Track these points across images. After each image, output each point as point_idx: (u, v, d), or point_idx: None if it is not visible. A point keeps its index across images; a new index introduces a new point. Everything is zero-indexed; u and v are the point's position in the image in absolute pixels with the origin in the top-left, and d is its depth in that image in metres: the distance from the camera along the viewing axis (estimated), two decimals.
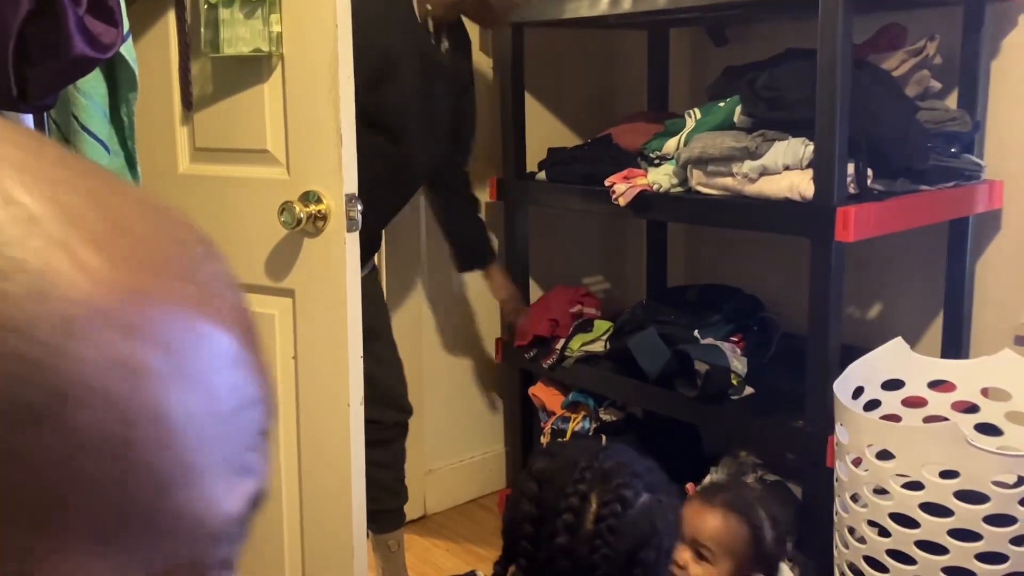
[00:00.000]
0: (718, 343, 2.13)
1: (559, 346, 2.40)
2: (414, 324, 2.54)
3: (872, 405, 1.85)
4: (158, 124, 1.72)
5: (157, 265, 0.28)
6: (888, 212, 1.83)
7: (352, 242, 1.57)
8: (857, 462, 1.68)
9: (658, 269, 2.68)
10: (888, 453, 1.61)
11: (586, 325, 2.44)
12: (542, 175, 2.40)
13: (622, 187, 2.10)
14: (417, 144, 2.00)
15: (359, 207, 1.57)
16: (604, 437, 2.34)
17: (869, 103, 1.82)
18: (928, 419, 1.86)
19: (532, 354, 2.44)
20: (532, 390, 2.53)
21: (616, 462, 1.11)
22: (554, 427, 2.44)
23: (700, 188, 1.99)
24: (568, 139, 2.66)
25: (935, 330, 2.19)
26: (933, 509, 1.57)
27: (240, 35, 1.56)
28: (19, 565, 0.25)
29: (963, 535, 1.55)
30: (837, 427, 1.73)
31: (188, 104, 1.70)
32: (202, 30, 1.60)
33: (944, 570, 1.56)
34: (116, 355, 0.26)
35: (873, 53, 2.01)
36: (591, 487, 1.08)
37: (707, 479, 2.16)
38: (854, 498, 1.70)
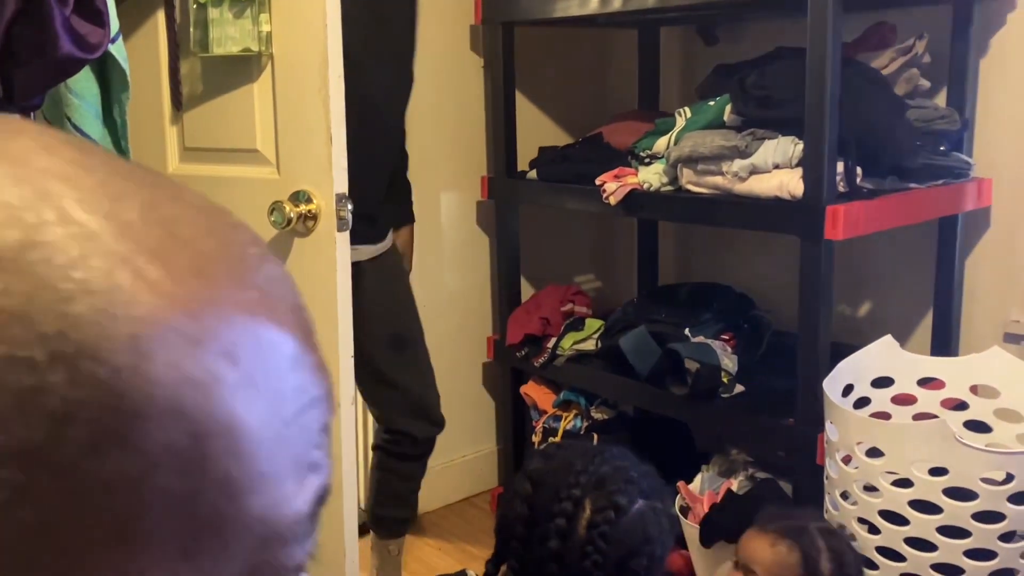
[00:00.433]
0: (709, 341, 2.13)
1: (550, 345, 2.40)
2: None
3: (862, 403, 1.86)
4: (148, 124, 1.72)
5: (217, 274, 0.28)
6: (877, 210, 1.84)
7: (343, 242, 1.57)
8: (847, 460, 1.69)
9: (649, 268, 2.68)
10: (878, 451, 1.62)
11: (577, 324, 2.45)
12: (533, 174, 2.40)
13: (612, 186, 2.10)
14: (376, 78, 1.84)
15: (349, 207, 1.57)
16: (596, 436, 2.34)
17: (858, 102, 1.82)
18: (918, 416, 1.87)
19: (523, 353, 2.44)
20: (524, 389, 2.53)
21: (612, 467, 1.11)
22: (545, 426, 2.44)
23: (690, 187, 1.99)
24: (559, 138, 2.66)
25: (925, 328, 2.19)
26: (922, 506, 1.57)
27: (229, 35, 1.55)
28: None
29: (952, 532, 1.56)
30: (827, 425, 1.74)
31: (178, 104, 1.69)
32: (191, 30, 1.60)
33: (933, 567, 1.57)
34: (186, 370, 0.26)
35: (863, 52, 2.02)
36: (585, 492, 1.07)
37: (698, 478, 2.17)
38: (844, 495, 1.71)
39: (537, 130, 2.63)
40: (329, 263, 1.57)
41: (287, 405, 0.29)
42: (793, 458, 1.93)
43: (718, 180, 1.92)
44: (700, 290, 2.41)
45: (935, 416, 1.83)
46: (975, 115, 2.06)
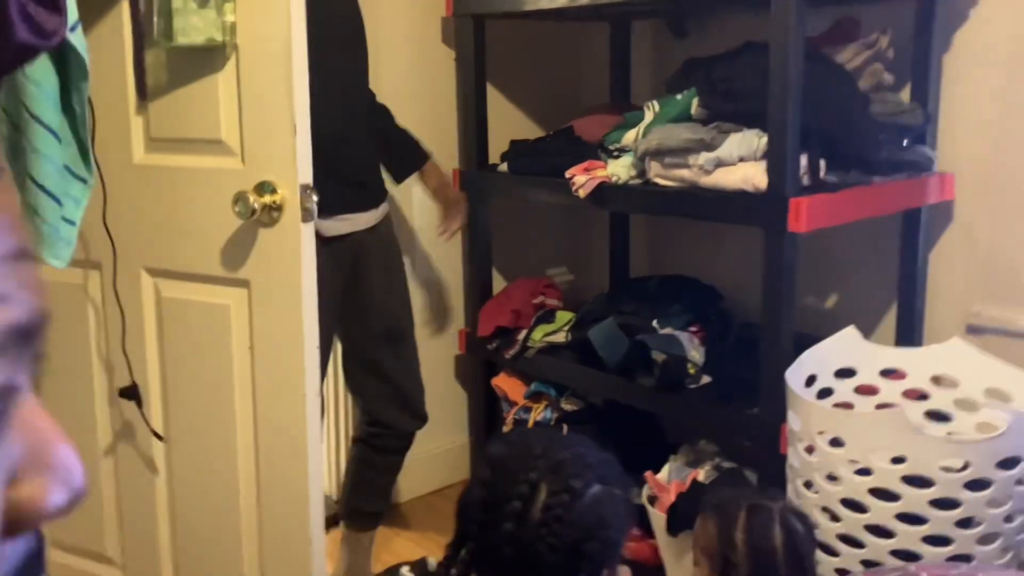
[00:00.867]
0: (676, 333, 2.15)
1: (521, 337, 2.41)
2: None
3: (825, 393, 1.88)
4: (112, 114, 1.71)
5: None
6: (840, 203, 1.86)
7: (308, 232, 1.58)
8: (810, 449, 1.71)
9: (621, 260, 2.69)
10: (839, 440, 1.64)
11: (548, 316, 2.46)
12: (504, 167, 2.41)
13: (582, 179, 2.11)
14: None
15: (315, 198, 1.57)
16: (565, 427, 2.36)
17: (823, 96, 1.84)
18: (880, 407, 1.90)
19: (495, 345, 2.45)
20: (495, 381, 2.54)
21: (570, 453, 1.12)
22: (516, 417, 2.45)
23: (658, 180, 2.01)
24: (531, 131, 2.66)
25: (890, 320, 2.22)
26: (882, 494, 1.60)
27: (194, 24, 1.55)
28: None
29: (910, 519, 1.58)
30: (789, 415, 1.76)
31: (143, 94, 1.69)
32: (155, 19, 1.60)
33: (892, 553, 1.59)
34: None
35: (827, 46, 2.04)
36: (541, 476, 1.08)
37: (665, 468, 2.19)
38: (807, 484, 1.73)
39: (509, 123, 2.64)
40: (294, 254, 1.57)
41: None
42: (757, 447, 1.95)
43: (685, 173, 1.94)
44: (669, 283, 2.43)
45: (896, 406, 1.85)
46: (938, 109, 2.08)
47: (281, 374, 1.64)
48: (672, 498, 2.04)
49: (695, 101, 1.99)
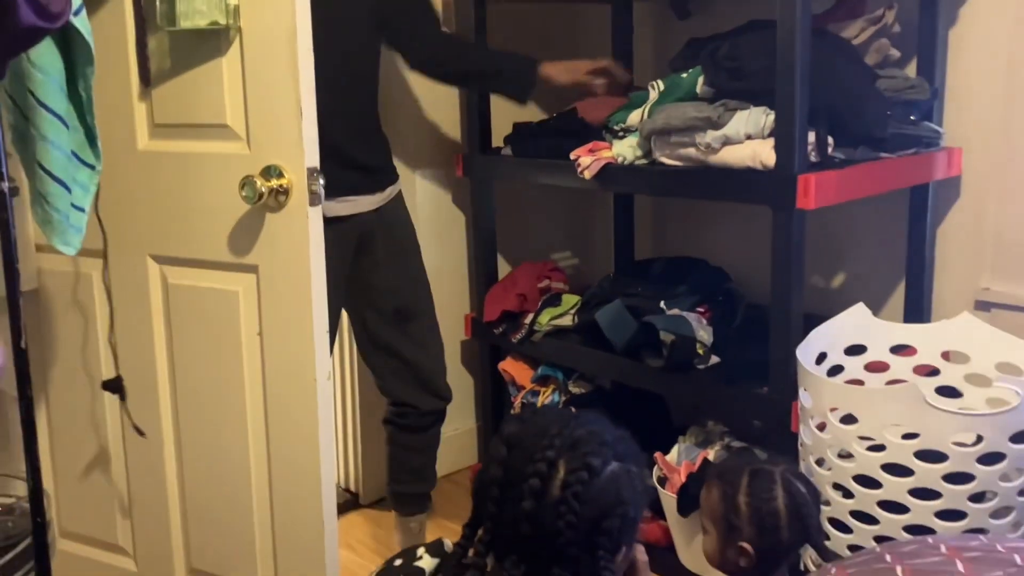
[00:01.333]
0: (684, 314, 2.14)
1: (528, 321, 2.40)
2: None
3: (835, 370, 1.88)
4: (116, 101, 1.70)
5: None
6: (848, 179, 1.85)
7: (315, 216, 1.57)
8: (821, 426, 1.70)
9: (625, 243, 2.69)
10: (851, 416, 1.64)
11: (554, 299, 2.45)
12: (508, 150, 2.40)
13: (587, 160, 2.10)
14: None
15: (321, 181, 1.56)
16: (574, 410, 2.35)
17: (829, 72, 1.83)
18: (890, 383, 1.89)
19: (501, 329, 2.45)
20: (502, 365, 2.54)
21: (586, 430, 1.11)
22: (524, 401, 2.45)
23: (664, 159, 1.99)
24: (533, 114, 2.65)
25: (898, 296, 2.22)
26: (894, 470, 1.59)
27: (197, 8, 1.54)
28: None
29: (923, 494, 1.58)
30: (801, 392, 1.75)
31: (146, 80, 1.67)
32: (158, 3, 1.58)
33: (905, 528, 1.59)
34: None
35: (833, 22, 2.03)
36: (559, 454, 1.07)
37: (675, 449, 2.19)
38: (819, 462, 1.73)
39: (511, 106, 2.62)
40: (302, 237, 1.56)
41: None
42: (768, 427, 1.95)
43: (691, 152, 1.93)
44: (676, 264, 2.42)
45: (907, 383, 1.85)
46: (945, 84, 2.07)
47: (291, 359, 1.63)
48: (682, 479, 2.04)
49: (700, 80, 1.98)
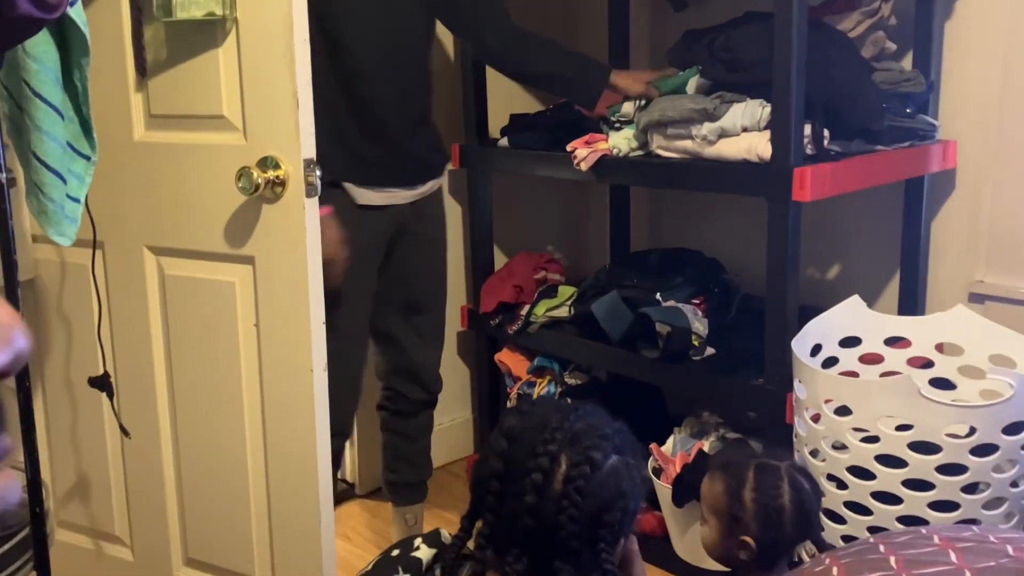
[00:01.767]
0: (680, 305, 2.15)
1: (524, 312, 2.41)
2: None
3: (830, 362, 1.89)
4: (111, 91, 1.70)
5: None
6: (844, 172, 1.85)
7: (312, 207, 1.57)
8: (816, 418, 1.71)
9: (621, 234, 2.69)
10: (846, 408, 1.65)
11: (550, 291, 2.46)
12: (504, 141, 2.40)
13: (583, 152, 2.11)
14: (363, 44, 1.84)
15: (318, 172, 1.56)
16: (570, 401, 2.36)
17: (825, 64, 1.83)
18: (885, 375, 1.90)
19: (497, 321, 2.45)
20: (498, 356, 2.54)
21: (587, 423, 1.11)
22: (520, 392, 2.46)
23: (660, 151, 2.00)
24: (530, 105, 2.65)
25: (892, 289, 2.22)
26: (888, 461, 1.60)
27: None
28: None
29: (917, 485, 1.59)
30: (795, 384, 1.76)
31: (142, 70, 1.67)
32: None
33: (899, 519, 1.60)
34: None
35: (829, 14, 2.03)
36: (561, 448, 1.07)
37: (670, 440, 2.20)
38: (813, 453, 1.74)
39: (508, 98, 2.63)
40: (298, 229, 1.56)
41: None
42: (763, 418, 1.96)
43: (687, 144, 1.93)
44: (671, 255, 2.42)
45: (901, 375, 1.85)
46: (940, 77, 2.08)
47: (287, 350, 1.63)
48: (677, 470, 2.05)
49: (696, 76, 1.98)
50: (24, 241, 1.85)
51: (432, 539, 1.25)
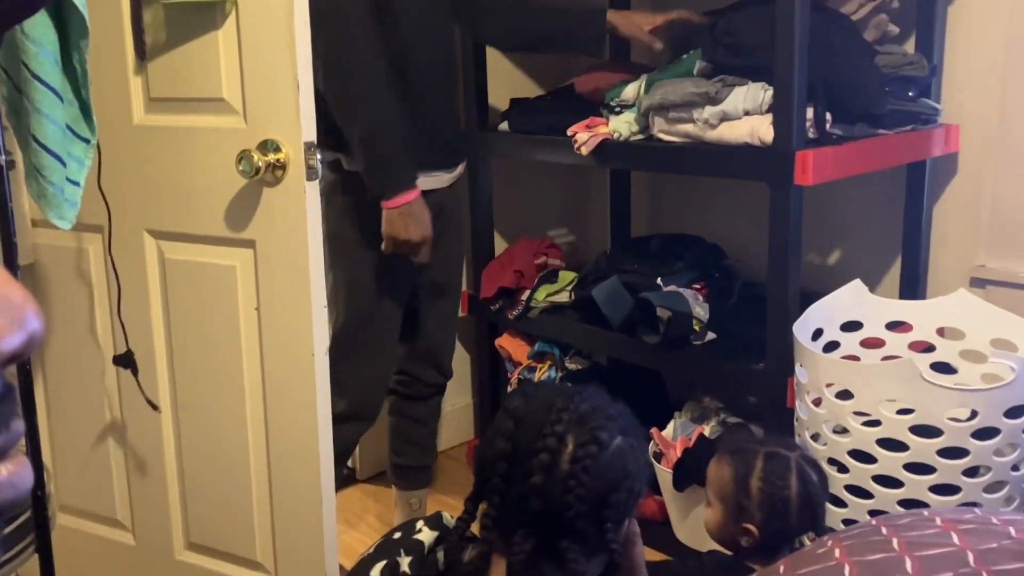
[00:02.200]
0: (680, 290, 2.15)
1: (524, 297, 2.41)
2: None
3: (831, 347, 1.89)
4: (110, 75, 1.69)
5: None
6: (846, 156, 1.85)
7: (312, 191, 1.56)
8: (817, 402, 1.71)
9: (622, 220, 2.68)
10: (847, 392, 1.65)
11: (551, 276, 2.45)
12: (505, 126, 2.39)
13: (584, 136, 2.10)
14: (412, 19, 1.86)
15: (319, 156, 1.55)
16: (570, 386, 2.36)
17: (828, 48, 1.82)
18: (886, 360, 1.90)
19: (498, 306, 2.45)
20: (498, 341, 2.54)
21: (591, 405, 1.11)
22: (520, 377, 2.46)
23: (661, 135, 1.99)
24: (530, 90, 2.64)
25: (894, 274, 2.22)
26: (889, 444, 1.60)
27: None
28: None
29: (918, 469, 1.59)
30: (797, 368, 1.76)
31: (141, 53, 1.66)
32: None
33: (900, 503, 1.60)
34: None
35: None
36: (568, 428, 1.08)
37: (671, 424, 2.20)
38: (814, 437, 1.74)
39: (509, 82, 2.62)
40: (299, 212, 1.56)
41: None
42: (764, 402, 1.96)
43: (689, 128, 1.92)
44: (672, 241, 2.42)
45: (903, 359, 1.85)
46: (943, 61, 2.07)
47: (289, 334, 1.63)
48: (678, 454, 2.05)
49: (698, 62, 1.97)
50: (24, 225, 1.84)
51: (434, 522, 1.25)
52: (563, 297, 2.38)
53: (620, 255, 2.41)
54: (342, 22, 1.75)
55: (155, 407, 1.77)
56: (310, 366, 1.62)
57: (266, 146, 1.55)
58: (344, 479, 2.56)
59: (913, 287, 2.14)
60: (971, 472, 1.59)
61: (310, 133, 1.54)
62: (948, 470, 1.58)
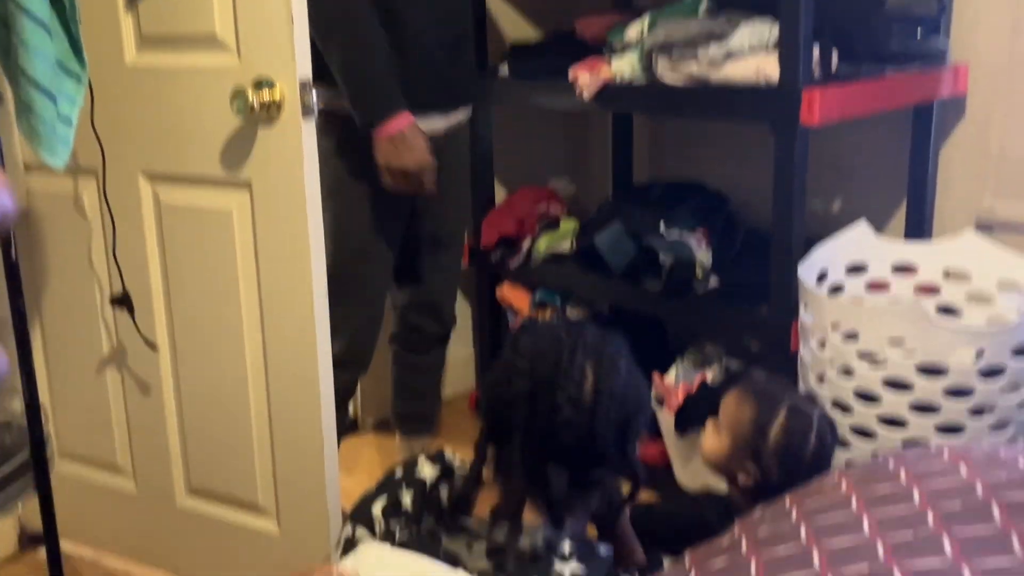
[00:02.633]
0: (683, 238, 2.12)
1: (525, 246, 2.38)
2: None
3: (836, 290, 1.87)
4: (101, 13, 1.65)
5: None
6: (853, 96, 1.81)
7: (308, 130, 1.53)
8: (822, 344, 1.69)
9: (624, 167, 2.65)
10: (852, 333, 1.63)
11: (552, 224, 2.43)
12: (504, 70, 2.35)
13: (585, 79, 2.06)
14: None
15: (314, 93, 1.52)
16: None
17: None
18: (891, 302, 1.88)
19: (499, 255, 2.43)
20: (500, 291, 2.52)
21: (594, 333, 1.14)
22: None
23: (665, 75, 1.95)
24: (531, 35, 2.60)
25: (899, 218, 2.19)
26: (895, 385, 1.59)
27: None
28: None
29: (923, 408, 1.58)
30: (801, 310, 1.74)
31: None
32: None
33: (904, 442, 1.59)
34: None
35: None
36: (585, 359, 1.10)
37: (672, 370, 2.18)
38: (819, 379, 1.73)
39: (508, 27, 2.57)
40: (295, 152, 1.53)
41: None
42: (766, 347, 1.94)
43: (693, 67, 1.88)
44: (675, 188, 2.39)
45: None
46: None
47: (288, 278, 1.61)
48: (680, 399, 2.04)
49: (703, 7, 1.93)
50: (16, 170, 1.81)
51: (436, 459, 1.24)
52: (565, 246, 2.36)
53: (622, 202, 2.38)
54: None
55: (153, 347, 1.75)
56: (310, 310, 1.60)
57: (260, 84, 1.51)
58: (346, 428, 2.56)
59: (918, 231, 2.11)
60: (977, 411, 1.58)
61: (305, 70, 1.51)
62: (953, 409, 1.57)
